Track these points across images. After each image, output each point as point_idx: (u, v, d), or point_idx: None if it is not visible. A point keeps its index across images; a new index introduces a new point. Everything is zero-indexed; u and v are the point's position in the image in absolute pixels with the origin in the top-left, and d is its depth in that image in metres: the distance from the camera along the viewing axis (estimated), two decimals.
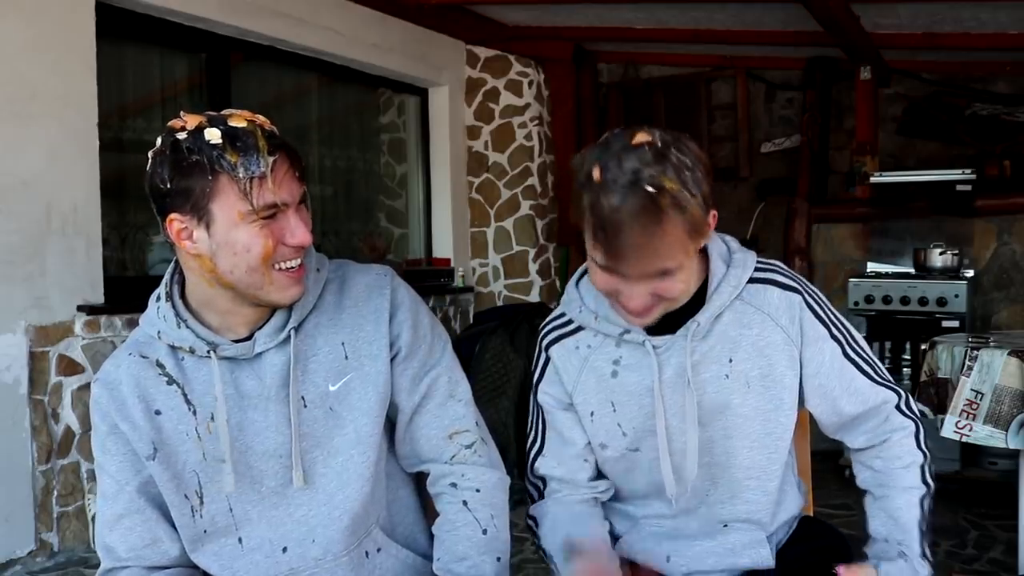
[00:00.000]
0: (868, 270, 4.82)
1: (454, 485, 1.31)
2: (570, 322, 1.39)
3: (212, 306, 1.23)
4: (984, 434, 2.68)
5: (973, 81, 5.10)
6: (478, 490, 1.31)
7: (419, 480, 1.41)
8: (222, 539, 1.26)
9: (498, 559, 1.29)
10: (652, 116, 5.75)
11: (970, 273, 4.58)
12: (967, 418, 2.71)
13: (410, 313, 1.31)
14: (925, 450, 1.37)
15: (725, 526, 1.38)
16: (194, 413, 1.23)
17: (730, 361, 1.31)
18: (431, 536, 1.36)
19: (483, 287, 5.55)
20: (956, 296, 4.37)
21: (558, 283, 5.65)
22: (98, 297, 3.39)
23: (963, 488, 3.92)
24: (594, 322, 1.35)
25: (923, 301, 4.41)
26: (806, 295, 1.34)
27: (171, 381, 1.24)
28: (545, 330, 1.42)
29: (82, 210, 3.33)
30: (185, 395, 1.24)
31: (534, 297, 5.41)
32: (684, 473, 1.34)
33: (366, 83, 5.10)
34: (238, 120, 1.14)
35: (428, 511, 1.41)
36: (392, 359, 1.29)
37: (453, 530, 1.30)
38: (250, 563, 1.26)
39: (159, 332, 1.24)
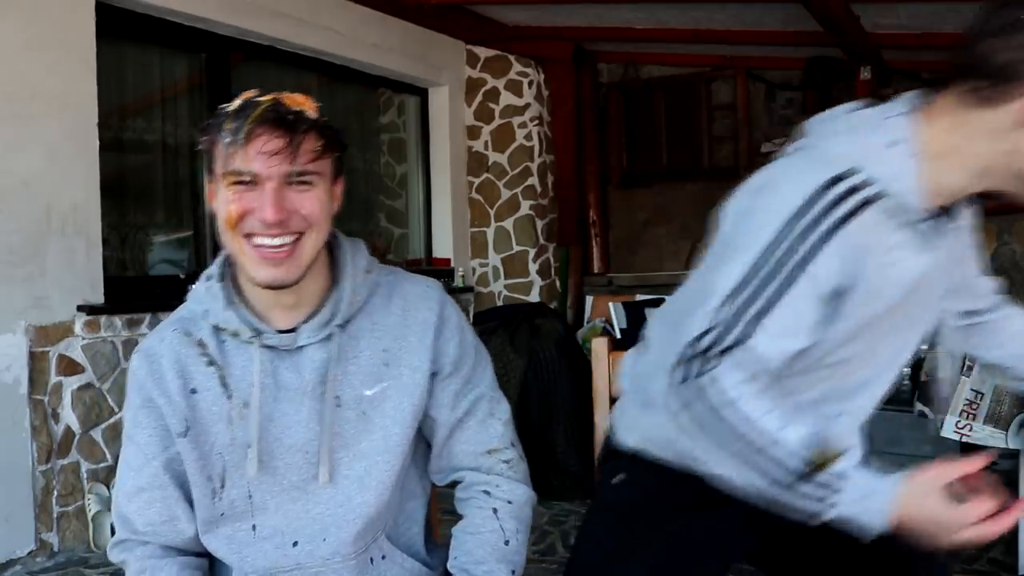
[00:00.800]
0: None
1: (487, 492, 1.33)
2: (854, 191, 1.15)
3: (246, 283, 1.26)
4: (984, 434, 2.69)
5: None
6: (510, 502, 1.33)
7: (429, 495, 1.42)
8: (236, 523, 1.27)
9: (513, 572, 1.30)
10: (652, 116, 5.75)
11: None
12: (967, 418, 2.72)
13: (457, 330, 1.32)
14: None
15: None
16: (229, 397, 1.24)
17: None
18: (431, 550, 1.37)
19: (483, 287, 5.55)
20: None
21: (558, 283, 5.65)
22: (98, 297, 3.39)
23: None
24: (919, 199, 1.17)
25: None
26: None
27: (211, 362, 1.25)
28: (832, 196, 1.15)
29: (82, 210, 3.33)
30: (223, 378, 1.25)
31: (534, 297, 5.41)
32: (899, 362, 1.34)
33: (366, 83, 5.09)
34: (269, 98, 1.18)
35: (432, 527, 1.42)
36: (435, 374, 1.29)
37: (477, 533, 1.31)
38: (259, 551, 1.27)
39: (206, 311, 1.25)
